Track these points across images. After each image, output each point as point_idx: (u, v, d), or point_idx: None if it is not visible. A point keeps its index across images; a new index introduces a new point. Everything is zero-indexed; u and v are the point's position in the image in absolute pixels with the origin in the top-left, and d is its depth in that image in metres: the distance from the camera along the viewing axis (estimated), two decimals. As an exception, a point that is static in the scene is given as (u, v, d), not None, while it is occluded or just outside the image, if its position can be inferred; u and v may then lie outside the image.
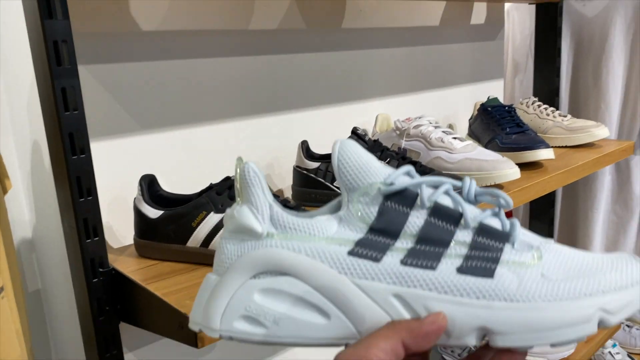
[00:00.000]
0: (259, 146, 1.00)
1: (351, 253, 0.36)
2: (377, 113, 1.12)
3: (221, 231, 0.42)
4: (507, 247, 0.37)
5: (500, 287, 0.35)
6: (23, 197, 0.80)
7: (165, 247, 0.71)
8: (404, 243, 0.37)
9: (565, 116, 1.36)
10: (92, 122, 0.79)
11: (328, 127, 1.12)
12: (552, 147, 1.31)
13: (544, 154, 1.10)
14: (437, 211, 0.37)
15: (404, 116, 1.10)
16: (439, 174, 0.91)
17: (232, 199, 0.70)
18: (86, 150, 0.64)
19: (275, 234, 0.38)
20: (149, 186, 0.74)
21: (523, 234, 0.38)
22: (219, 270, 0.39)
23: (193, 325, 0.39)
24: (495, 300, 0.35)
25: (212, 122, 0.93)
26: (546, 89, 1.53)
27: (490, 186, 0.96)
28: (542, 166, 1.14)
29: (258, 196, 0.39)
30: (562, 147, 1.32)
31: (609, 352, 1.64)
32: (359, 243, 0.37)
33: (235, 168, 0.40)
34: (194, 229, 0.69)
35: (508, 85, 1.81)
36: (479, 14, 1.45)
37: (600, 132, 1.30)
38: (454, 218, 0.37)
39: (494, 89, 1.54)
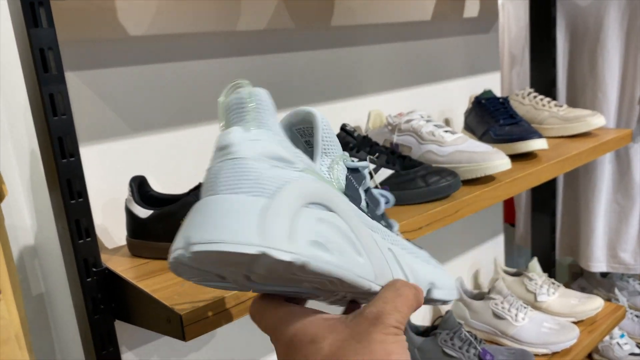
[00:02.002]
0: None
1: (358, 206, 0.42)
2: (370, 109, 1.13)
3: (234, 149, 0.36)
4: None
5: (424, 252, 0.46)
6: (24, 203, 0.83)
7: (156, 246, 0.73)
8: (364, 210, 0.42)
9: (561, 106, 1.36)
10: (83, 126, 0.81)
11: (321, 125, 1.13)
12: (548, 137, 1.32)
13: (537, 144, 1.10)
14: (368, 188, 0.45)
15: (399, 112, 1.11)
16: (429, 167, 0.92)
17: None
18: (75, 154, 0.66)
19: (310, 172, 0.38)
20: (139, 187, 0.76)
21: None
22: (257, 192, 0.35)
23: (238, 247, 0.32)
24: (430, 263, 0.45)
25: (202, 123, 0.95)
26: (543, 80, 1.53)
27: (482, 177, 0.97)
28: (536, 156, 1.14)
29: (278, 127, 0.38)
30: (559, 137, 1.32)
31: (617, 343, 1.64)
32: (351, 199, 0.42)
33: (232, 88, 0.38)
34: (182, 227, 0.71)
35: (505, 78, 1.81)
36: (471, 7, 1.45)
37: (596, 120, 1.30)
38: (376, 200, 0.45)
39: (491, 82, 1.54)
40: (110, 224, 0.85)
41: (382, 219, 0.45)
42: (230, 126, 0.38)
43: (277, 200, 0.34)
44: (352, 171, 0.43)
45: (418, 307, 0.40)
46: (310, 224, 0.35)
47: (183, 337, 0.59)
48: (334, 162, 0.41)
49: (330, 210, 0.37)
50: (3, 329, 0.66)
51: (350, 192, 0.41)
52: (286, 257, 0.33)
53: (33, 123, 0.68)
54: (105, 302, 0.70)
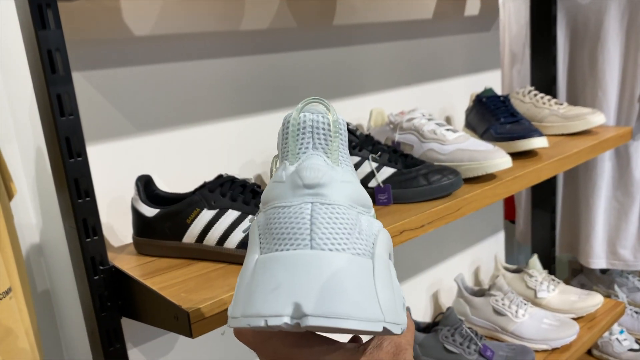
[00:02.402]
0: (254, 145, 1.02)
1: None
2: (372, 108, 1.14)
3: (326, 192, 0.31)
4: None
5: None
6: (29, 202, 0.84)
7: (162, 244, 0.74)
8: None
9: (561, 104, 1.37)
10: (90, 126, 0.82)
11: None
12: (549, 135, 1.32)
13: (537, 143, 1.11)
14: None
15: (401, 110, 1.12)
16: (430, 165, 0.93)
17: (223, 195, 0.72)
18: (82, 154, 0.67)
19: (373, 212, 0.34)
20: (146, 186, 0.77)
21: None
22: (358, 249, 0.30)
23: (373, 325, 0.29)
24: None
25: (206, 123, 0.96)
26: (543, 78, 1.54)
27: (483, 176, 0.98)
28: (537, 154, 1.15)
29: (350, 160, 0.34)
30: (559, 135, 1.33)
31: (616, 339, 1.65)
32: None
33: (307, 104, 0.32)
34: (188, 225, 0.72)
35: (506, 76, 1.81)
36: (472, 5, 1.46)
37: (596, 118, 1.31)
38: None
39: (492, 80, 1.55)
40: (116, 222, 0.86)
41: None
42: (306, 149, 0.32)
43: (378, 262, 0.31)
44: None
45: None
46: (397, 283, 0.33)
47: (190, 334, 0.60)
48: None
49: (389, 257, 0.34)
50: (14, 326, 0.67)
51: None
52: (398, 330, 0.31)
53: (40, 123, 0.69)
54: (112, 299, 0.71)
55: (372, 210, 0.34)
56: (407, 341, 0.38)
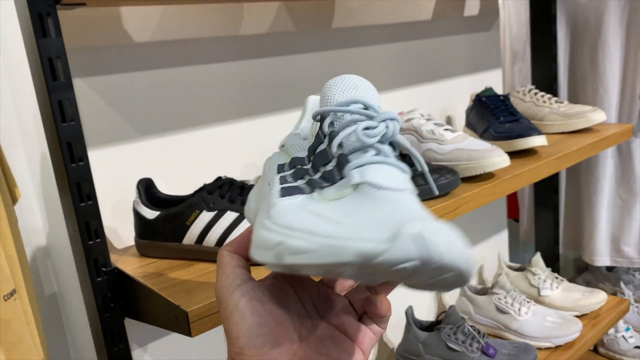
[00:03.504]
0: (255, 147, 1.03)
1: None
2: (371, 109, 1.15)
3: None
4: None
5: None
6: (35, 205, 0.85)
7: (163, 246, 0.76)
8: None
9: (561, 102, 1.37)
10: (91, 131, 0.84)
11: (323, 125, 1.15)
12: (550, 133, 1.33)
13: (536, 141, 1.11)
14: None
15: (400, 111, 1.13)
16: (429, 165, 0.94)
17: (222, 197, 0.74)
18: (84, 158, 0.69)
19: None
20: (147, 189, 0.79)
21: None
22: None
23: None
24: None
25: (207, 126, 0.97)
26: (544, 76, 1.54)
27: (482, 175, 0.99)
28: (536, 153, 1.15)
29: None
30: (560, 133, 1.34)
31: (622, 336, 1.64)
32: None
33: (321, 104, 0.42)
34: (188, 227, 0.74)
35: (507, 75, 1.82)
36: (472, 5, 1.47)
37: (597, 116, 1.31)
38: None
39: (493, 79, 1.55)
40: (118, 225, 0.87)
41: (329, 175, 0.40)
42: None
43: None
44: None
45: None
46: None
47: (189, 333, 0.61)
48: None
49: None
50: (19, 328, 0.69)
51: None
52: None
53: (43, 129, 0.70)
54: (115, 300, 0.73)
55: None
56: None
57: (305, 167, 0.41)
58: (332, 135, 0.40)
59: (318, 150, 0.41)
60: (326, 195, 0.38)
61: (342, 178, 0.38)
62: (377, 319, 0.42)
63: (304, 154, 0.42)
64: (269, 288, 0.39)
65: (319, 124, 0.42)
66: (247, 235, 0.40)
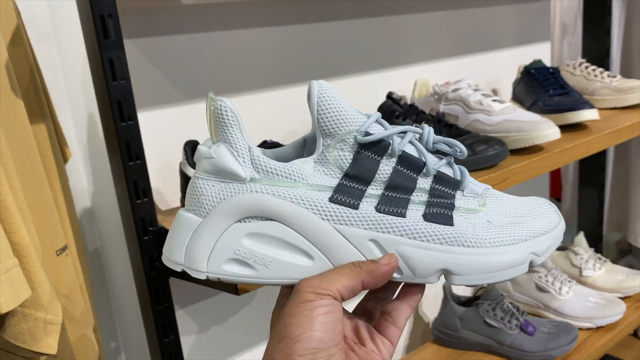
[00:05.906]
0: (296, 114, 1.03)
1: (331, 200, 0.39)
2: (416, 78, 1.13)
3: (196, 168, 0.41)
4: (458, 194, 0.41)
5: (459, 234, 0.40)
6: (81, 167, 0.87)
7: (209, 207, 0.76)
8: (376, 189, 0.40)
9: (614, 77, 1.32)
10: (139, 93, 0.84)
11: (366, 94, 1.13)
12: (600, 109, 1.28)
13: (587, 115, 1.07)
14: (403, 160, 0.41)
15: (445, 81, 1.10)
16: (476, 135, 0.91)
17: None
18: (133, 118, 0.69)
19: (259, 179, 0.39)
20: (193, 150, 0.79)
21: (470, 182, 0.42)
22: (198, 210, 0.39)
23: (172, 264, 0.40)
24: (456, 246, 0.39)
25: (252, 91, 0.97)
26: (596, 50, 1.48)
27: (530, 147, 0.96)
28: (586, 128, 1.11)
29: (237, 137, 0.39)
30: (611, 108, 1.29)
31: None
32: (337, 190, 0.40)
33: (207, 104, 0.40)
34: (234, 189, 0.74)
35: (556, 48, 1.76)
36: (523, -26, 1.41)
37: (652, 91, 1.25)
38: (418, 166, 0.41)
39: (541, 52, 1.50)
40: (165, 187, 0.88)
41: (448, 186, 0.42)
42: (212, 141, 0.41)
43: (207, 220, 0.39)
44: (369, 146, 0.40)
45: (369, 279, 0.39)
46: (234, 242, 0.39)
47: (236, 292, 0.62)
48: (336, 141, 0.40)
49: (270, 219, 0.39)
50: (70, 282, 0.71)
51: (357, 172, 0.40)
52: (202, 276, 0.39)
53: (93, 88, 0.71)
54: (160, 260, 0.74)
55: (248, 174, 0.39)
56: (314, 278, 0.39)
57: (415, 189, 0.41)
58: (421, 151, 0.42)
59: (404, 172, 0.41)
60: (470, 207, 0.42)
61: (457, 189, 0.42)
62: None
63: (380, 186, 0.40)
64: (339, 307, 0.39)
65: (367, 152, 0.40)
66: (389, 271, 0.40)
